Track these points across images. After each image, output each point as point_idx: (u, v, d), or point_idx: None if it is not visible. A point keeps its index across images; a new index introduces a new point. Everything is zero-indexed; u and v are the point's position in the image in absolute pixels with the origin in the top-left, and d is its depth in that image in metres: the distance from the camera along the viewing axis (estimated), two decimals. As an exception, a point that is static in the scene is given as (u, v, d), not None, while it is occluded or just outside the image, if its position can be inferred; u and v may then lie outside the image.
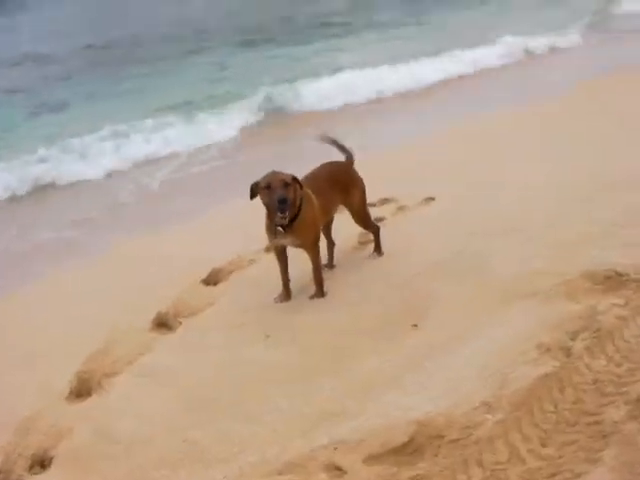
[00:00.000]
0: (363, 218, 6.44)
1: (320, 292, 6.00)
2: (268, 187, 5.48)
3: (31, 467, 4.40)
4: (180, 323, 5.86)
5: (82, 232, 8.60)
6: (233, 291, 6.30)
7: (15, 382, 5.35)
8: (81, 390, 5.11)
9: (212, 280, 6.54)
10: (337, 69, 14.65)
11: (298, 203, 5.63)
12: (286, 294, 6.06)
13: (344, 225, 6.77)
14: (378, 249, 6.57)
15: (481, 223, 6.80)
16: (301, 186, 5.65)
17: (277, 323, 5.69)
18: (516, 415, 3.96)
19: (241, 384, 4.90)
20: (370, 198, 6.89)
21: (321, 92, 13.54)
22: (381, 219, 7.22)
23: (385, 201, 7.80)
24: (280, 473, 3.84)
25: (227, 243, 7.16)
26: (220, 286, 6.45)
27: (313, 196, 5.80)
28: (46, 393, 5.06)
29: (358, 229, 6.77)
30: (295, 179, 5.61)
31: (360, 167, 6.44)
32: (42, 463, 4.42)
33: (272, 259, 6.26)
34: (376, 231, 6.57)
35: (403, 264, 6.28)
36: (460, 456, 3.73)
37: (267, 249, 6.83)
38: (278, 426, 4.33)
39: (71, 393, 5.09)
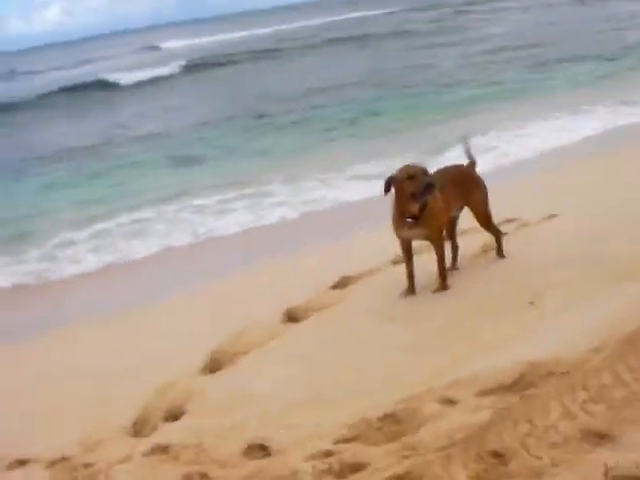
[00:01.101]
0: (485, 218, 6.68)
1: (444, 284, 6.24)
2: (412, 177, 5.87)
3: (166, 418, 4.84)
4: (310, 316, 6.20)
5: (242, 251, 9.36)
6: (361, 291, 6.60)
7: (157, 361, 5.84)
8: (213, 367, 5.52)
9: (341, 285, 6.85)
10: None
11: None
12: (411, 288, 6.31)
13: (467, 235, 7.08)
14: (500, 252, 6.77)
15: (604, 231, 6.88)
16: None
17: (403, 310, 6.00)
18: (622, 350, 4.13)
19: (370, 351, 5.26)
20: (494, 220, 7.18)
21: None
22: (505, 233, 7.40)
23: (509, 221, 7.95)
24: (396, 404, 4.12)
25: (356, 259, 7.46)
26: (349, 288, 6.76)
27: (438, 192, 6.09)
28: (182, 369, 5.50)
29: (481, 239, 7.01)
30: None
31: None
32: (176, 416, 4.85)
33: (399, 270, 6.57)
34: (498, 234, 6.79)
35: (523, 264, 6.46)
36: (567, 382, 3.92)
37: (394, 261, 7.11)
38: (399, 378, 4.63)
39: (205, 368, 5.51)
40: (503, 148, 13.12)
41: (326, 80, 26.85)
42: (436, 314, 5.76)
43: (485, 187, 6.65)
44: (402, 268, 6.41)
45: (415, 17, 57.47)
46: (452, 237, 6.75)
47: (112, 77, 36.71)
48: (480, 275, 6.45)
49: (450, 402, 4.08)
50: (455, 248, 6.79)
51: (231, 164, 15.07)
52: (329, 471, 3.63)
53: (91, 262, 9.64)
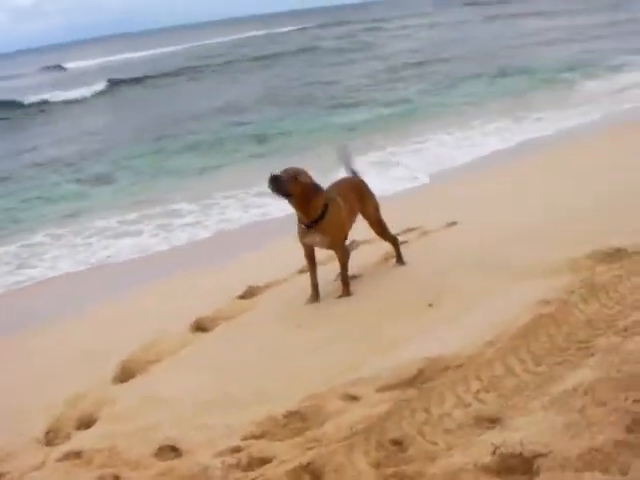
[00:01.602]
0: (380, 226, 6.91)
1: (347, 291, 6.44)
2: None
3: (78, 427, 4.93)
4: (218, 325, 6.34)
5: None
6: (268, 300, 6.77)
7: (69, 374, 5.91)
8: (125, 376, 5.63)
9: (248, 295, 7.01)
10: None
11: (313, 201, 6.14)
12: (314, 295, 6.49)
13: (370, 244, 7.36)
14: (400, 259, 7.02)
15: (502, 238, 7.17)
16: (304, 181, 6.10)
17: (308, 316, 6.18)
18: (514, 344, 4.41)
19: (276, 355, 5.44)
20: (395, 230, 7.47)
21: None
22: (404, 242, 7.67)
23: (410, 230, 8.21)
24: (301, 402, 4.31)
25: (263, 272, 7.62)
26: (256, 298, 6.92)
27: (340, 200, 6.34)
28: (94, 380, 5.58)
29: (383, 248, 7.25)
30: (295, 174, 6.10)
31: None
32: (88, 424, 4.93)
33: (304, 279, 6.75)
34: (395, 241, 7.04)
35: (423, 270, 6.71)
36: (461, 374, 4.17)
37: (300, 271, 7.29)
38: (305, 380, 4.77)
39: (116, 377, 5.62)
40: (407, 163, 13.54)
41: (236, 99, 27.03)
42: (340, 318, 5.96)
43: (375, 198, 6.94)
44: (308, 277, 6.59)
45: (325, 34, 58.31)
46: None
47: (19, 98, 35.71)
48: (382, 281, 6.69)
49: (353, 398, 4.28)
50: None
51: (139, 185, 15.10)
52: (237, 465, 3.79)
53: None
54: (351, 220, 6.65)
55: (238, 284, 7.20)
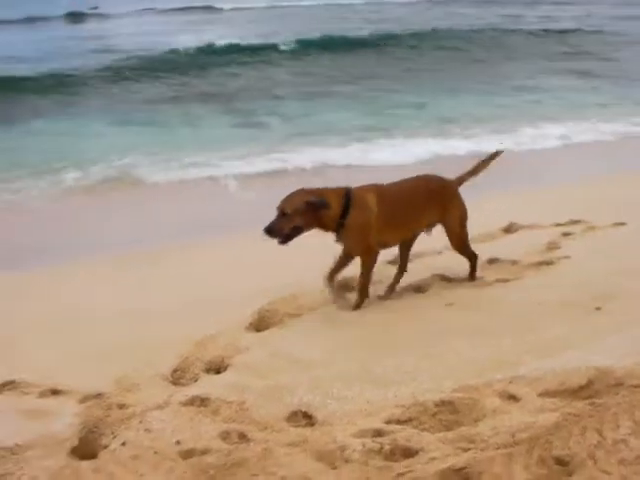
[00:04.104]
0: (460, 240, 6.12)
1: (360, 302, 5.73)
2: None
3: (207, 370, 4.72)
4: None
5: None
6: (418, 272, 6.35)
7: (203, 309, 5.70)
8: (260, 325, 5.41)
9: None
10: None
11: (324, 216, 5.44)
12: (333, 294, 5.80)
13: (530, 230, 6.88)
14: (472, 275, 6.23)
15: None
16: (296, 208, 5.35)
17: (459, 296, 5.79)
18: (703, 376, 3.88)
19: (423, 333, 5.06)
20: (559, 219, 6.95)
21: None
22: (569, 233, 7.18)
23: (575, 222, 7.70)
24: (454, 392, 3.91)
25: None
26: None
27: (375, 204, 5.58)
28: (228, 321, 5.38)
29: (545, 236, 6.79)
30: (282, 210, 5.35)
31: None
32: (217, 369, 4.72)
33: (455, 258, 6.30)
34: (473, 258, 6.23)
35: (590, 267, 6.19)
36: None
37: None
38: (455, 364, 4.40)
39: (251, 325, 5.37)
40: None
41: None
42: (494, 305, 5.54)
43: (464, 208, 6.05)
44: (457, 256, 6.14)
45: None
46: (402, 258, 6.22)
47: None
48: (542, 272, 6.20)
49: (512, 398, 3.86)
50: (401, 271, 6.21)
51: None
52: (379, 452, 3.43)
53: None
54: (405, 224, 5.86)
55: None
